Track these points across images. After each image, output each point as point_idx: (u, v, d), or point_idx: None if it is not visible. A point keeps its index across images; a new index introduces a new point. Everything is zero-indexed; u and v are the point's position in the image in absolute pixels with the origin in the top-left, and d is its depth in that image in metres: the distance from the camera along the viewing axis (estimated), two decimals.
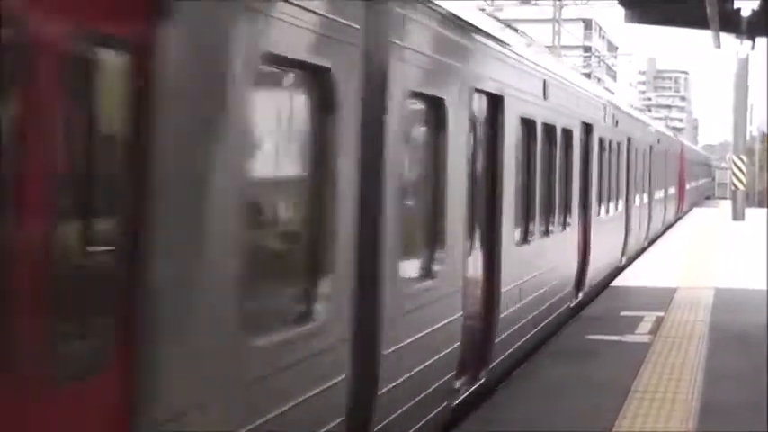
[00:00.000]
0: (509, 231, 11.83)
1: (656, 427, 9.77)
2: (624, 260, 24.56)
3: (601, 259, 20.01)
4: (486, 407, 10.55)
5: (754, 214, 50.06)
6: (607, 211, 21.18)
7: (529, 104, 12.99)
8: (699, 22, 33.46)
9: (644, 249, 29.97)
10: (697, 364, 12.88)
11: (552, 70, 14.91)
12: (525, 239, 13.07)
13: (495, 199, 11.42)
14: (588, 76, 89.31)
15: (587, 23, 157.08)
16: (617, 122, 22.52)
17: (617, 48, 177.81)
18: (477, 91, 10.48)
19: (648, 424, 9.89)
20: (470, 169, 10.34)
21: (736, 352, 13.69)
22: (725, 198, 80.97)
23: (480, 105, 10.90)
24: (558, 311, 15.58)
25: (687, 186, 59.35)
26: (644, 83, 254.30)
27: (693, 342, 14.43)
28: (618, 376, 12.03)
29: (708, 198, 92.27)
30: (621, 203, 23.90)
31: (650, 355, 13.35)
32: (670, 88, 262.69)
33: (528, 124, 13.16)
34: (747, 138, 58.79)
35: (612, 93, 39.90)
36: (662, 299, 18.88)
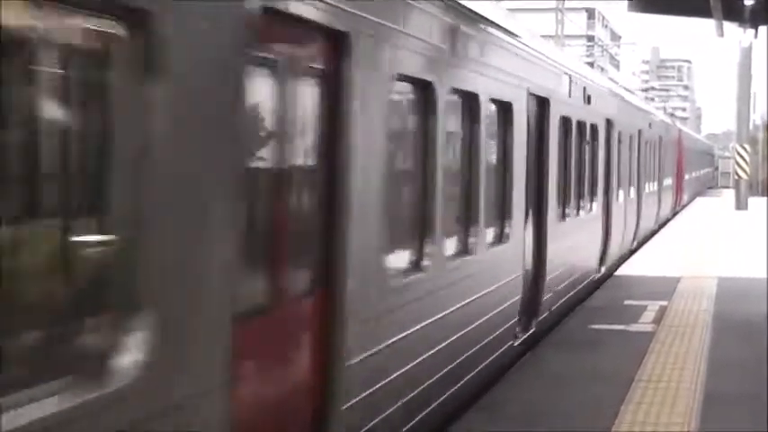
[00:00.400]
0: (370, 261, 7.36)
1: (660, 417, 9.78)
2: (604, 269, 20.28)
3: (565, 275, 15.80)
4: (489, 397, 10.55)
5: (757, 203, 50.03)
6: (576, 213, 16.97)
7: (412, 55, 8.36)
8: (702, 11, 33.41)
9: (632, 252, 26.10)
10: (700, 353, 12.88)
11: (469, 10, 10.21)
12: (416, 267, 8.65)
13: (336, 210, 6.84)
14: (591, 65, 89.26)
15: (590, 13, 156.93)
16: (589, 99, 17.99)
17: (620, 37, 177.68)
18: (275, 14, 5.88)
19: (652, 413, 9.89)
20: (268, 154, 6.14)
21: (740, 341, 13.69)
22: (728, 187, 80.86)
23: (293, 48, 6.38)
24: (488, 361, 11.22)
25: (686, 177, 54.29)
26: (647, 72, 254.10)
27: (697, 331, 14.43)
28: (621, 366, 12.03)
29: (710, 188, 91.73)
30: (599, 201, 19.42)
31: (654, 345, 13.35)
32: (673, 77, 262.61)
33: (415, 87, 8.70)
34: (751, 127, 58.78)
35: (617, 82, 39.84)
36: (665, 288, 18.87)
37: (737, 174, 48.27)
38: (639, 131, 27.16)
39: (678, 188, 46.29)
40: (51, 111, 4.25)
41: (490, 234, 11.27)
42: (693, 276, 20.82)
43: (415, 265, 8.69)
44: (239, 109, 5.42)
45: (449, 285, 9.49)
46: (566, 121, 15.90)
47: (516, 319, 12.51)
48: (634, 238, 26.55)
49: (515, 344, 12.59)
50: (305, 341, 6.61)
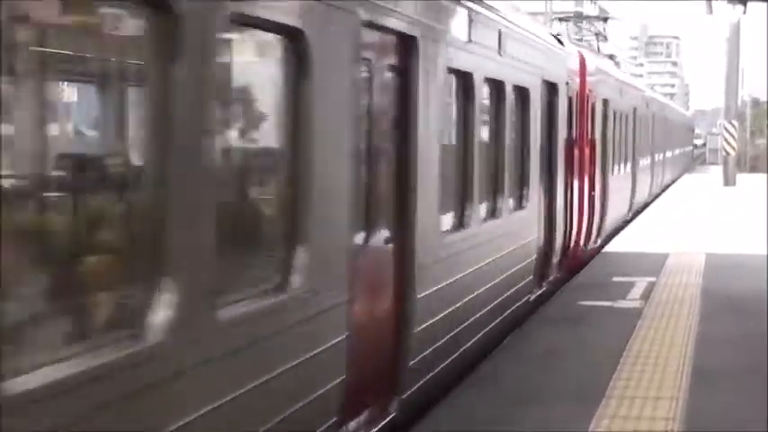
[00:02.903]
0: None
1: (649, 391, 9.80)
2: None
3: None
4: (478, 372, 10.56)
5: (745, 179, 50.14)
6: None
7: None
8: None
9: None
10: (688, 328, 12.90)
11: None
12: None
13: None
14: (580, 41, 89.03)
15: None
16: None
17: (609, 14, 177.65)
18: None
19: (641, 389, 9.91)
20: None
21: (728, 316, 13.71)
22: (716, 164, 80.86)
23: None
24: None
25: (618, 171, 25.30)
26: (636, 48, 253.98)
27: (685, 306, 14.45)
28: (610, 342, 12.04)
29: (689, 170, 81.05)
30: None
31: (642, 321, 13.36)
32: (661, 54, 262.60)
33: None
34: (739, 103, 58.81)
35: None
36: (654, 264, 18.89)
37: (725, 150, 48.32)
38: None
39: (587, 209, 19.98)
40: None
41: None
42: (681, 252, 20.85)
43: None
44: None
45: None
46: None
47: None
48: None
49: None
50: None
